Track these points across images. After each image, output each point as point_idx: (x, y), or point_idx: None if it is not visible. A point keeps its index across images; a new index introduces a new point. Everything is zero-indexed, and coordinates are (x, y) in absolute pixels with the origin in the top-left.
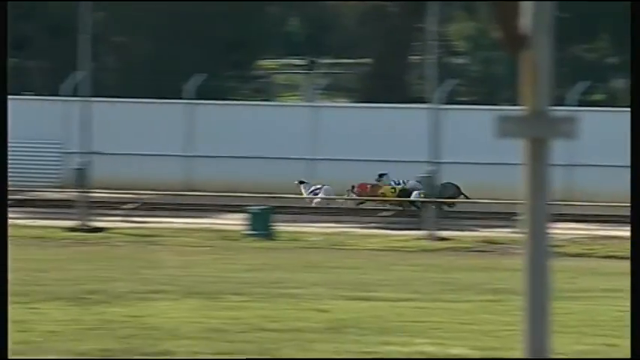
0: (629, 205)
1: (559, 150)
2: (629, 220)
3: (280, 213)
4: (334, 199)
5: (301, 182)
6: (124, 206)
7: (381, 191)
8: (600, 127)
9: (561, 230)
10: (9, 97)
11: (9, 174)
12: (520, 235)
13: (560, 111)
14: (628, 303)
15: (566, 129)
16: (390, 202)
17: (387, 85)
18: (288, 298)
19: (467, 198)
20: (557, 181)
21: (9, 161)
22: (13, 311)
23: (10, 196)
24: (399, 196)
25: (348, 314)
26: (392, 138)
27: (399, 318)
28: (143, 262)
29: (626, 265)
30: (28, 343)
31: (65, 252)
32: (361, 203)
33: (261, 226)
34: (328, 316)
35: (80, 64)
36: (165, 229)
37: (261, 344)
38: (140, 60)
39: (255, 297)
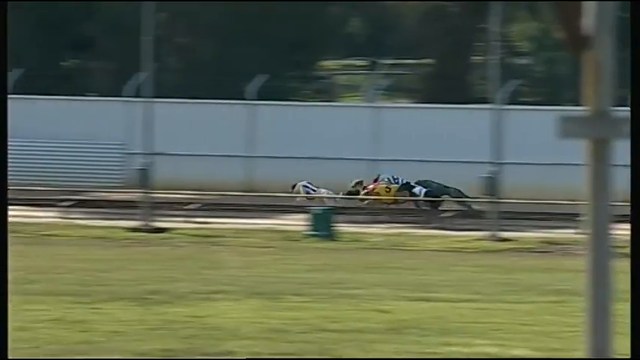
0: None
1: (621, 150)
2: None
3: (341, 214)
4: (314, 197)
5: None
6: (186, 207)
7: (375, 190)
8: None
9: (624, 231)
10: (73, 97)
11: (72, 175)
12: (582, 236)
13: (623, 111)
14: None
15: (628, 129)
16: (386, 201)
17: (448, 85)
18: (349, 299)
19: (468, 202)
20: (620, 181)
21: (72, 162)
22: (74, 311)
23: (72, 197)
24: (398, 194)
25: (409, 315)
26: (453, 139)
27: (460, 319)
28: (205, 263)
29: None
30: (90, 343)
31: (127, 252)
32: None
33: (323, 226)
34: (389, 317)
35: (143, 64)
36: (227, 229)
37: (321, 345)
38: (202, 61)
39: (315, 297)
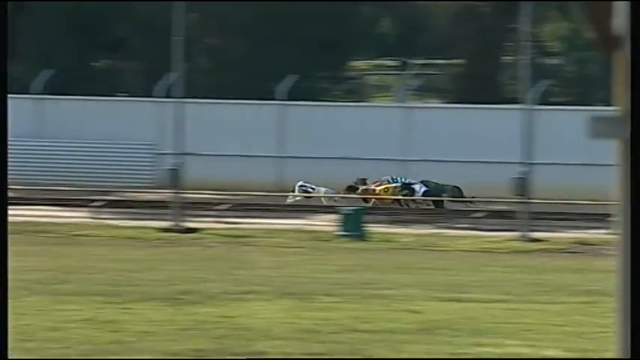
0: None
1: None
2: None
3: (372, 214)
4: (310, 196)
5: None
6: (217, 207)
7: (376, 191)
8: None
9: None
10: (103, 98)
11: (103, 175)
12: (613, 237)
13: None
14: None
15: None
16: (386, 201)
17: (479, 85)
18: (380, 299)
19: (468, 199)
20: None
21: (103, 162)
22: (105, 311)
23: (103, 197)
24: (396, 194)
25: (440, 315)
26: (484, 139)
27: (491, 319)
28: (235, 263)
29: None
30: (121, 343)
31: (158, 252)
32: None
33: (353, 226)
34: (420, 317)
35: (173, 65)
36: (258, 229)
37: (352, 345)
38: (233, 61)
39: (347, 298)
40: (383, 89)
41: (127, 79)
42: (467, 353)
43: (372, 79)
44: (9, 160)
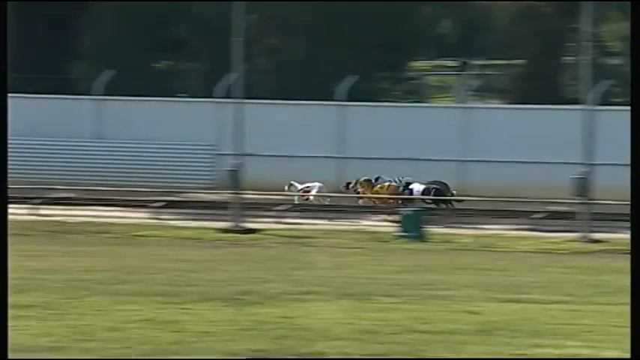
0: None
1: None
2: None
3: (431, 215)
4: (326, 196)
5: (290, 184)
6: (276, 207)
7: (374, 190)
8: None
9: None
10: (164, 99)
11: (163, 175)
12: None
13: None
14: None
15: None
16: (384, 200)
17: (539, 86)
18: (440, 300)
19: (454, 196)
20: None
21: (163, 163)
22: (165, 311)
23: (163, 198)
24: (395, 193)
25: (499, 316)
26: (544, 139)
27: (550, 320)
28: (295, 263)
29: None
30: (181, 344)
31: (218, 253)
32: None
33: (413, 227)
34: (479, 318)
35: (233, 66)
36: (317, 230)
37: (412, 346)
38: (292, 62)
39: (406, 299)
40: (443, 90)
41: (188, 80)
42: (526, 354)
43: (432, 80)
44: (69, 160)
